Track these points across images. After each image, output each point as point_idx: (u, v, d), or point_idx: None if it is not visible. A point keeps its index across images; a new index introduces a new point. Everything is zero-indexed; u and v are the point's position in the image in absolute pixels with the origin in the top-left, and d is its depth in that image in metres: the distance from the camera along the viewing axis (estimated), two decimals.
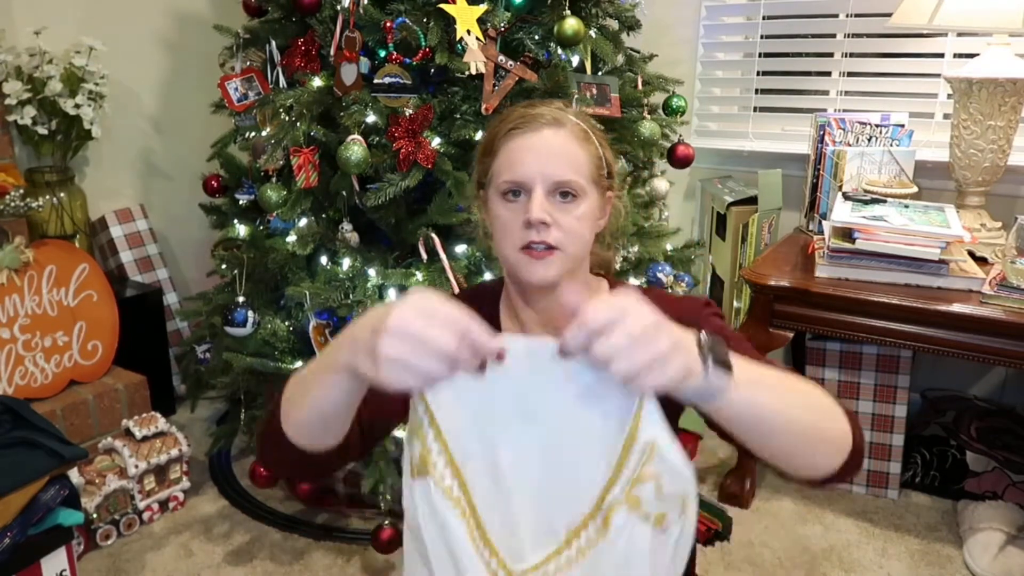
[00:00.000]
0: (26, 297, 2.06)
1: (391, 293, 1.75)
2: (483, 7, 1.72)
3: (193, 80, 2.58)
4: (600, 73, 1.97)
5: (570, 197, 0.93)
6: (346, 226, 1.84)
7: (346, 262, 1.80)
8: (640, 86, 2.01)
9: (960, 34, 2.15)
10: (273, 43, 1.93)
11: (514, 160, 0.93)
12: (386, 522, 1.77)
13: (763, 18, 2.47)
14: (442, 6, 1.70)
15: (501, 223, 0.95)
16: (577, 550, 0.74)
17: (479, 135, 1.71)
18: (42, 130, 2.17)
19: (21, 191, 2.06)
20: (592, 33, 1.91)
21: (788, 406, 0.73)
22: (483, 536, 0.75)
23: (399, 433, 1.67)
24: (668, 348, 0.63)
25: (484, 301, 1.00)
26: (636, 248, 1.98)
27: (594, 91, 1.86)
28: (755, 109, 2.53)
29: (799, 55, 2.49)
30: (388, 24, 1.72)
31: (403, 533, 0.81)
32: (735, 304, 2.38)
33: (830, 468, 0.77)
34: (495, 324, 0.96)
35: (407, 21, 1.73)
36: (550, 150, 0.93)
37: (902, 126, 2.15)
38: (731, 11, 2.56)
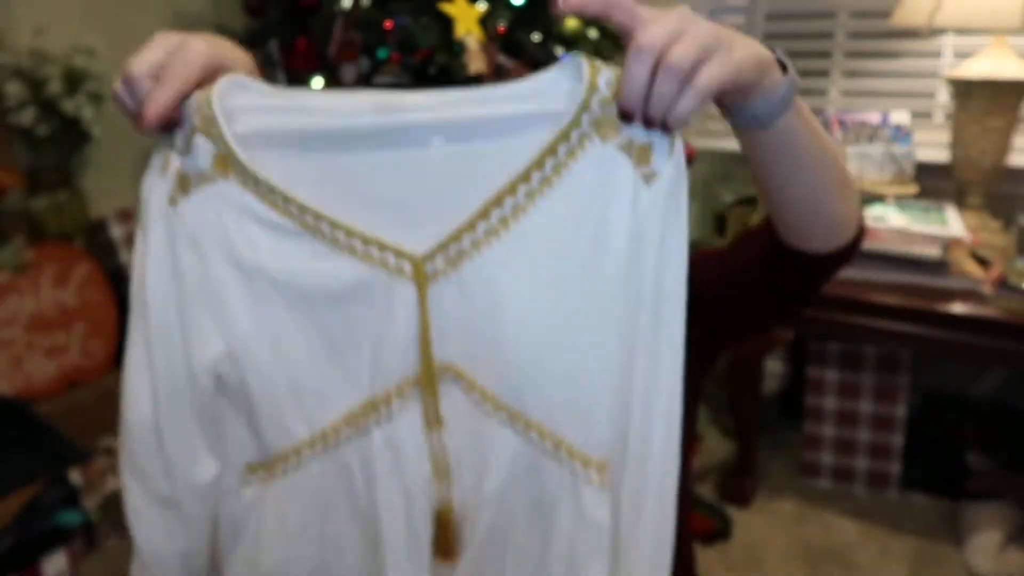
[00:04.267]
0: (26, 297, 2.06)
1: None
2: (483, 7, 1.72)
3: None
4: None
5: None
6: None
7: None
8: None
9: (960, 34, 2.15)
10: (273, 43, 1.93)
11: None
12: None
13: (763, 18, 2.47)
14: (442, 6, 1.70)
15: None
16: (500, 219, 0.59)
17: None
18: (42, 131, 2.17)
19: (21, 191, 2.06)
20: (592, 33, 1.91)
21: (825, 140, 0.68)
22: (342, 228, 0.61)
23: None
24: (735, 45, 0.55)
25: None
26: None
27: None
28: None
29: (798, 55, 2.48)
30: (388, 24, 1.73)
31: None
32: None
33: (846, 234, 0.74)
34: None
35: (407, 21, 1.74)
36: None
37: (902, 126, 2.15)
38: (731, 11, 2.56)
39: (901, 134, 2.14)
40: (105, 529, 1.90)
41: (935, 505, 2.08)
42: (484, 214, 0.59)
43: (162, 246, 0.62)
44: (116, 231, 2.52)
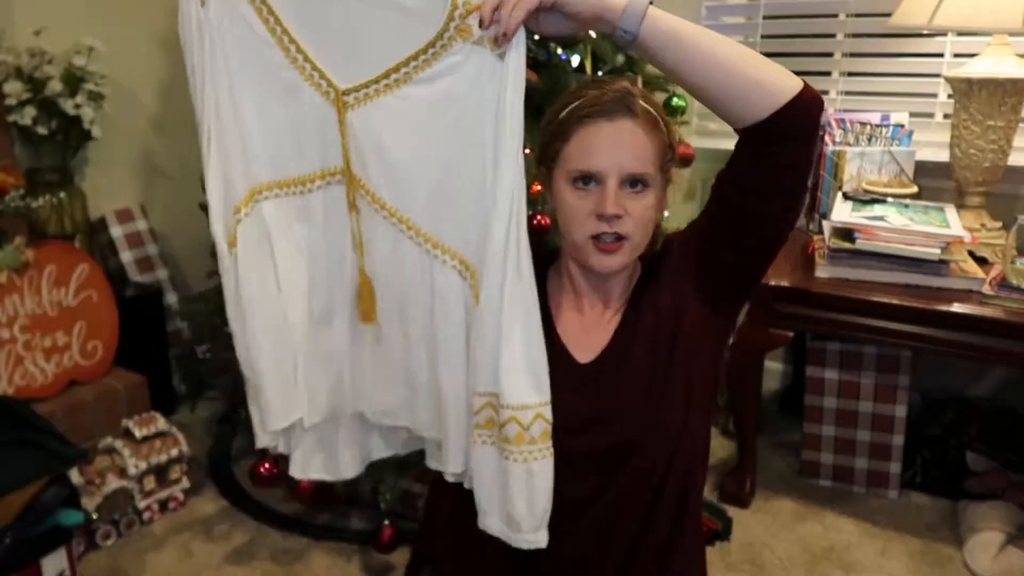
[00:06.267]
0: (26, 297, 2.06)
1: None
2: None
3: None
4: (600, 73, 1.97)
5: (640, 186, 0.96)
6: None
7: None
8: (640, 86, 2.01)
9: (960, 34, 2.15)
10: None
11: (587, 149, 0.95)
12: (386, 522, 1.77)
13: (763, 18, 2.46)
14: None
15: (570, 210, 0.97)
16: (395, 80, 0.93)
17: None
18: (42, 130, 2.16)
19: (21, 191, 2.06)
20: (592, 33, 1.91)
21: (712, 39, 0.87)
22: (301, 52, 0.96)
23: None
24: None
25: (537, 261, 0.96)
26: None
27: None
28: None
29: (799, 55, 2.48)
30: None
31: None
32: None
33: (778, 94, 0.86)
34: (541, 287, 0.96)
35: None
36: (624, 141, 0.95)
37: (902, 126, 2.15)
38: (731, 11, 2.56)
39: (901, 134, 2.14)
40: (105, 529, 1.90)
41: (935, 505, 2.08)
42: (386, 75, 0.93)
43: (195, 38, 0.96)
44: (116, 231, 2.52)
